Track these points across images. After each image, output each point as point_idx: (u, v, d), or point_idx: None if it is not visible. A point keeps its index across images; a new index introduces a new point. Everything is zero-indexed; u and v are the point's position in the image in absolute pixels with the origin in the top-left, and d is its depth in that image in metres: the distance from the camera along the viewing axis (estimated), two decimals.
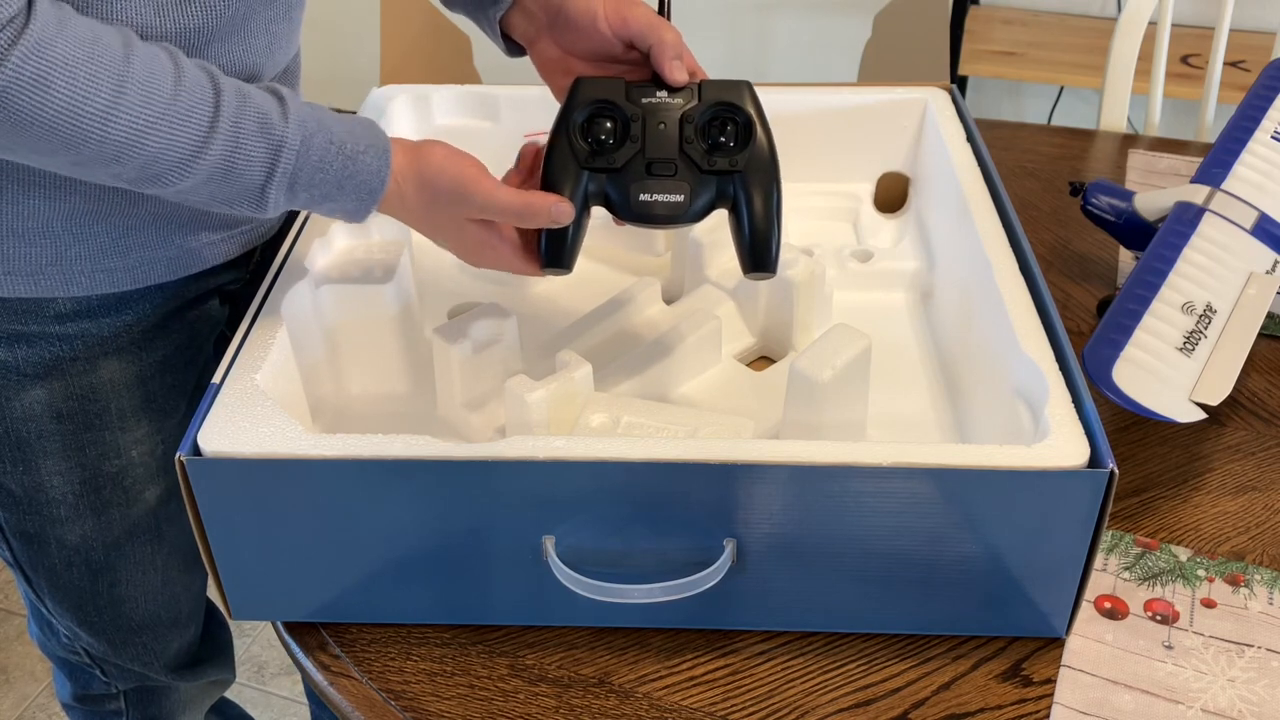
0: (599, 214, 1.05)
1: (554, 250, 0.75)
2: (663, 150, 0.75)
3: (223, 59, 0.75)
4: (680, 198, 0.74)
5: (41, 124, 0.61)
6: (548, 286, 1.03)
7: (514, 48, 0.87)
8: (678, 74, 0.75)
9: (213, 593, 1.08)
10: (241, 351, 0.75)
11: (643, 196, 0.74)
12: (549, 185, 0.75)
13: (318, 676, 0.74)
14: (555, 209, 0.73)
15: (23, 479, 0.85)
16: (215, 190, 0.68)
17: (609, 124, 0.75)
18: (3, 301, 0.78)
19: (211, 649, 1.09)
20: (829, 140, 1.09)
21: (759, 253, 0.75)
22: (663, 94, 0.76)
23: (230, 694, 1.72)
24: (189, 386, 0.91)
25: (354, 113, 1.05)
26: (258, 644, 1.80)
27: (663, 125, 0.75)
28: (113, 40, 0.64)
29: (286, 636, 0.76)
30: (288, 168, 0.69)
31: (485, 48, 1.14)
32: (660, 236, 1.02)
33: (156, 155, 0.65)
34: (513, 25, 0.85)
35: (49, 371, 0.81)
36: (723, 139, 0.75)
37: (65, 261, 0.78)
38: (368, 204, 0.72)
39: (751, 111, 0.75)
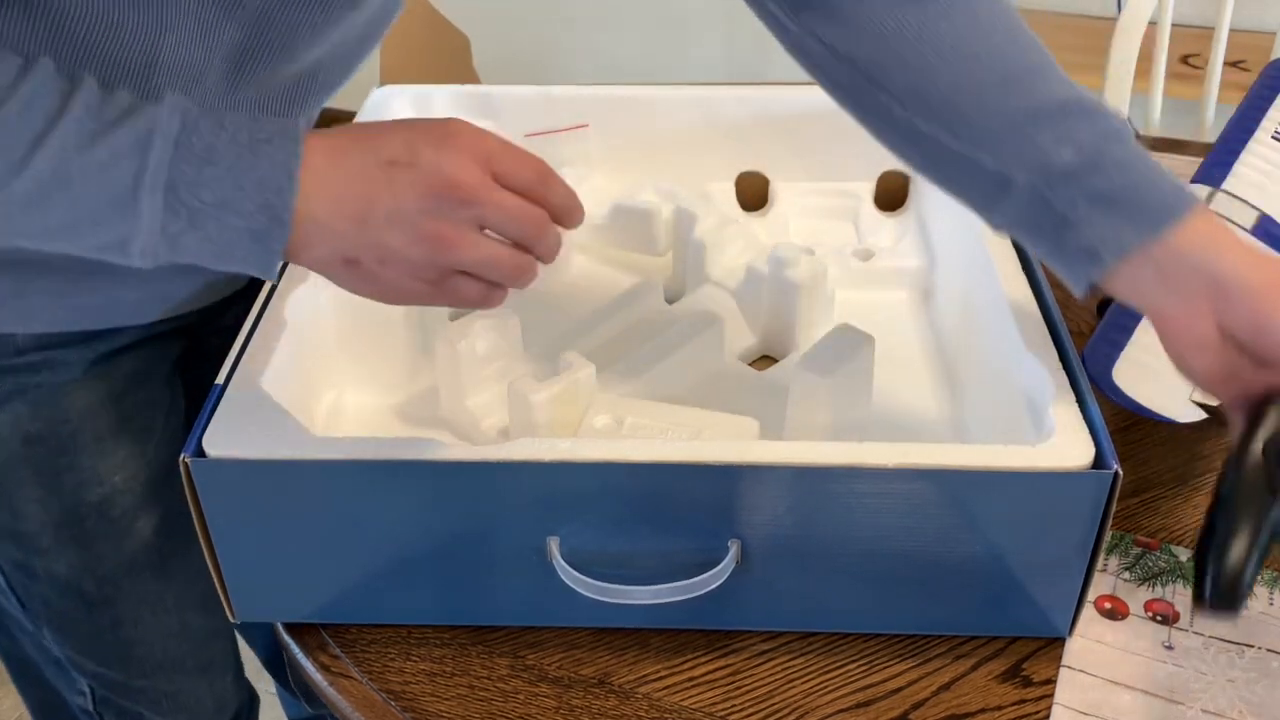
0: (594, 215, 1.05)
1: (1230, 586, 0.61)
2: None
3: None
4: None
5: None
6: (549, 287, 1.03)
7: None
8: None
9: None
10: (245, 354, 0.75)
11: None
12: (1228, 509, 0.63)
13: (318, 677, 0.74)
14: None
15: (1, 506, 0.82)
16: (72, 194, 0.56)
17: None
18: None
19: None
20: (829, 139, 1.08)
21: None
22: None
23: None
24: (164, 402, 0.86)
25: (353, 115, 1.04)
26: None
27: None
28: None
29: (286, 636, 0.76)
30: (164, 153, 0.56)
31: (484, 48, 1.13)
32: (661, 236, 1.02)
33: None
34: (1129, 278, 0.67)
35: (10, 397, 0.77)
36: None
37: (26, 295, 0.73)
38: (281, 200, 0.57)
39: None
